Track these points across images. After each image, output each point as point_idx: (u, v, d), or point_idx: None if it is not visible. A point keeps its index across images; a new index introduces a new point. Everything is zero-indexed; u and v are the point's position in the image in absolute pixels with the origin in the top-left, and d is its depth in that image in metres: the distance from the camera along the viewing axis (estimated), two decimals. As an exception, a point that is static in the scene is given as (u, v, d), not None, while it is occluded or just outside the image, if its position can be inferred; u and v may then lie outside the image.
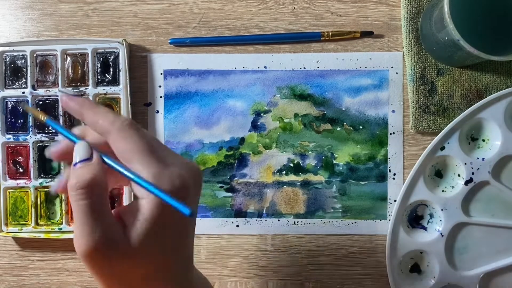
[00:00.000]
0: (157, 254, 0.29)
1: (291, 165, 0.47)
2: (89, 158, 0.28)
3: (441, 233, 0.45)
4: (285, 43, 0.48)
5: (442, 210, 0.45)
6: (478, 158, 0.45)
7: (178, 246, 0.30)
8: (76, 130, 0.31)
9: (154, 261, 0.29)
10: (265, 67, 0.48)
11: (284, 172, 0.47)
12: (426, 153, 0.45)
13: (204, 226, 0.48)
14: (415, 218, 0.46)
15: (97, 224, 0.27)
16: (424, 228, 0.46)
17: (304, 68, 0.47)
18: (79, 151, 0.28)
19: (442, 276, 0.45)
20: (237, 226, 0.48)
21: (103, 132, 0.28)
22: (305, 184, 0.47)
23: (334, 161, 0.47)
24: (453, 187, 0.46)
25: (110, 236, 0.27)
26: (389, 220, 0.46)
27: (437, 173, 0.46)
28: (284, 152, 0.48)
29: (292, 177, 0.48)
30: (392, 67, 0.47)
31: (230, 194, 0.48)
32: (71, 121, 0.47)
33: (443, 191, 0.46)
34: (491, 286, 0.46)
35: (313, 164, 0.47)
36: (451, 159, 0.45)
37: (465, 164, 0.45)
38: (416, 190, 0.45)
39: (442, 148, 0.45)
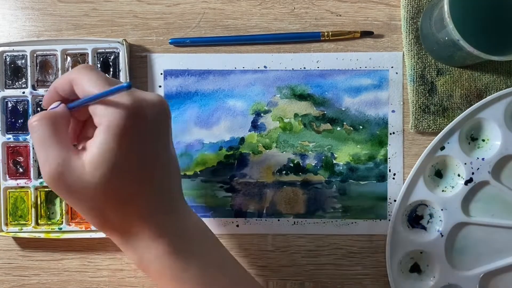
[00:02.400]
0: (117, 178, 0.30)
1: (291, 165, 0.47)
2: (56, 107, 0.34)
3: (441, 233, 0.45)
4: (285, 43, 0.48)
5: (442, 210, 0.45)
6: (478, 158, 0.45)
7: (145, 167, 0.31)
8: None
9: (115, 185, 0.30)
10: (265, 67, 0.48)
11: (284, 172, 0.48)
12: (426, 153, 0.45)
13: (204, 226, 0.48)
14: (415, 218, 0.46)
15: (48, 153, 0.31)
16: (424, 228, 0.46)
17: (304, 68, 0.47)
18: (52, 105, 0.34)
19: (442, 276, 0.45)
20: (237, 226, 0.48)
21: (70, 86, 0.33)
22: (305, 184, 0.47)
23: (334, 161, 0.47)
24: (453, 187, 0.46)
25: (63, 162, 0.30)
26: (389, 220, 0.46)
27: (437, 173, 0.46)
28: (284, 152, 0.48)
29: (292, 177, 0.48)
30: (392, 67, 0.47)
31: (230, 194, 0.48)
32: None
33: (443, 191, 0.46)
34: (491, 286, 0.46)
35: (313, 164, 0.47)
36: (451, 159, 0.45)
37: (465, 164, 0.45)
38: (416, 190, 0.45)
39: (442, 148, 0.45)
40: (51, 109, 0.33)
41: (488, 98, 0.44)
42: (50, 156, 0.31)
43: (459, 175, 0.46)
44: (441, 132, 0.44)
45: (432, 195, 0.45)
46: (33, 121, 0.32)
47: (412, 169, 0.45)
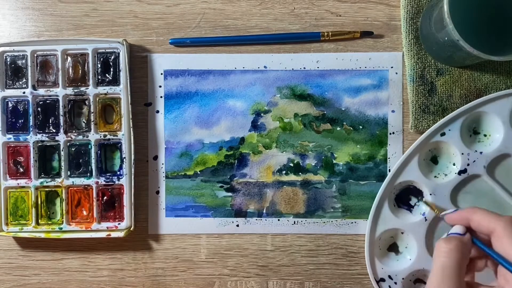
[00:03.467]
0: None
1: (291, 165, 0.48)
2: (462, 234, 0.34)
3: (425, 217, 0.45)
4: (285, 43, 0.48)
5: (430, 194, 0.45)
6: (476, 151, 0.45)
7: None
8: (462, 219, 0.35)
9: None
10: (265, 67, 0.48)
11: (284, 172, 0.48)
12: (426, 135, 0.44)
13: (204, 225, 0.48)
14: (403, 197, 0.46)
15: (446, 282, 0.31)
16: (410, 209, 0.46)
17: (304, 68, 0.48)
18: (457, 228, 0.35)
19: (418, 260, 0.45)
20: (237, 225, 0.48)
21: (488, 232, 0.33)
22: (305, 184, 0.47)
23: (334, 161, 0.47)
24: (446, 174, 0.46)
25: None
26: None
27: (433, 158, 0.46)
28: (284, 152, 0.48)
29: (292, 177, 0.48)
30: (391, 67, 0.47)
31: (230, 194, 0.48)
32: (72, 121, 0.47)
33: (435, 177, 0.46)
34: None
35: (313, 164, 0.47)
36: (449, 146, 0.45)
37: (462, 154, 0.45)
38: (408, 169, 0.45)
39: (443, 134, 0.45)
40: (455, 233, 0.34)
41: (497, 93, 0.44)
42: (445, 287, 0.31)
43: (454, 164, 0.46)
44: (446, 117, 0.44)
45: (423, 178, 0.45)
46: (445, 246, 0.33)
47: (409, 148, 0.45)
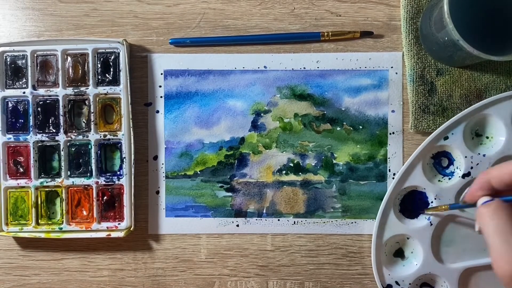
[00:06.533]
0: None
1: (291, 165, 0.48)
2: (489, 200, 0.34)
3: (430, 222, 0.45)
4: (285, 43, 0.48)
5: (435, 199, 0.45)
6: (479, 154, 0.45)
7: None
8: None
9: None
10: (265, 67, 0.48)
11: (284, 172, 0.48)
12: (429, 140, 0.44)
13: (204, 225, 0.48)
14: (407, 202, 0.46)
15: (510, 240, 0.30)
16: (413, 218, 0.46)
17: (304, 68, 0.48)
18: (482, 200, 0.34)
19: (424, 265, 0.45)
20: (237, 225, 0.48)
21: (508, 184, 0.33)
22: (305, 184, 0.47)
23: (334, 161, 0.47)
24: (450, 178, 0.46)
25: None
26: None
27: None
28: (284, 152, 0.48)
29: (292, 177, 0.48)
30: (391, 67, 0.47)
31: (230, 194, 0.48)
32: (72, 121, 0.47)
33: (439, 181, 0.46)
34: (470, 282, 0.46)
35: (313, 164, 0.47)
36: (452, 150, 0.45)
37: (466, 157, 0.45)
38: (413, 174, 0.45)
39: (446, 138, 0.45)
40: (483, 203, 0.34)
41: (499, 95, 0.44)
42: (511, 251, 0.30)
43: (457, 168, 0.46)
44: (448, 121, 0.44)
45: (428, 182, 0.45)
46: (487, 210, 0.32)
47: (413, 154, 0.45)
